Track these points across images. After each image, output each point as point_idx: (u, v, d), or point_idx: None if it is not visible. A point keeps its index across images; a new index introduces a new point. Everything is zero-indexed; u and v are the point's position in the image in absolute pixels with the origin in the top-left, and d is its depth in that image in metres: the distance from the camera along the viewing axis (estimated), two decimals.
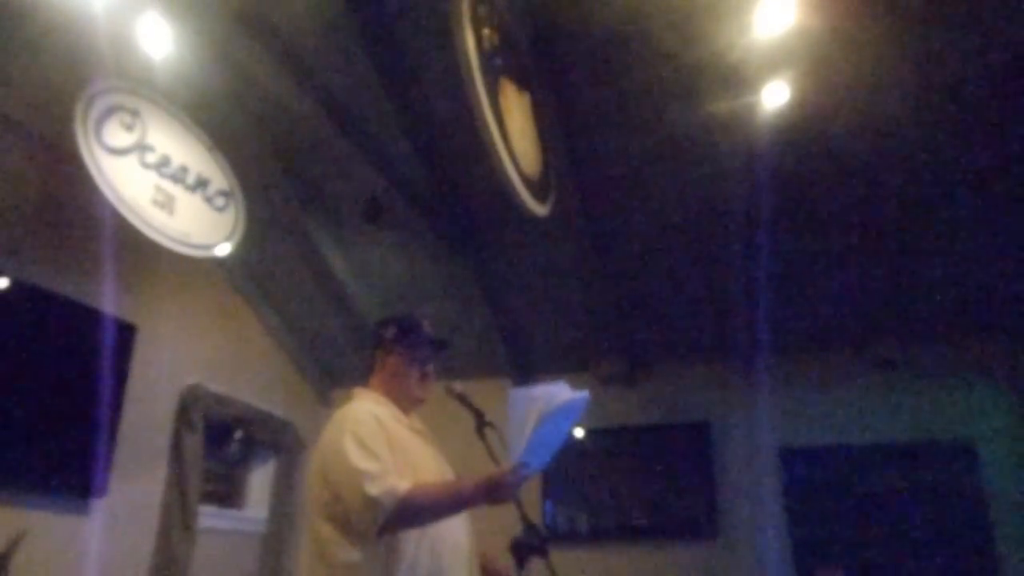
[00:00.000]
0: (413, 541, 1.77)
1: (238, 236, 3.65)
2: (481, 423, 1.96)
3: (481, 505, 1.79)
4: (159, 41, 2.96)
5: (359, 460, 1.75)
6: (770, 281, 4.33)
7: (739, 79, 3.42)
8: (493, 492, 1.72)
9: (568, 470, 4.99)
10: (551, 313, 5.06)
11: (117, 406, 3.78)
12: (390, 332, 2.10)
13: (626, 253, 4.60)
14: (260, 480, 5.11)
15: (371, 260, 4.81)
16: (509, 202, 2.96)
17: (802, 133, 3.65)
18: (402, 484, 1.72)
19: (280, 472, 5.08)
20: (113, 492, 3.73)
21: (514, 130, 2.91)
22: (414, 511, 1.72)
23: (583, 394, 1.79)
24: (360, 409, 1.93)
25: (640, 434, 5.16)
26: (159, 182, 3.27)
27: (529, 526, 1.76)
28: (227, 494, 4.96)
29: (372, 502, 1.69)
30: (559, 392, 1.75)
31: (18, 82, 3.27)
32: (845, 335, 4.85)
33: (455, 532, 1.88)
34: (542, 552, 1.73)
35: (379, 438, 1.82)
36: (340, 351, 5.35)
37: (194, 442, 4.26)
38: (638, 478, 5.03)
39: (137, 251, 3.65)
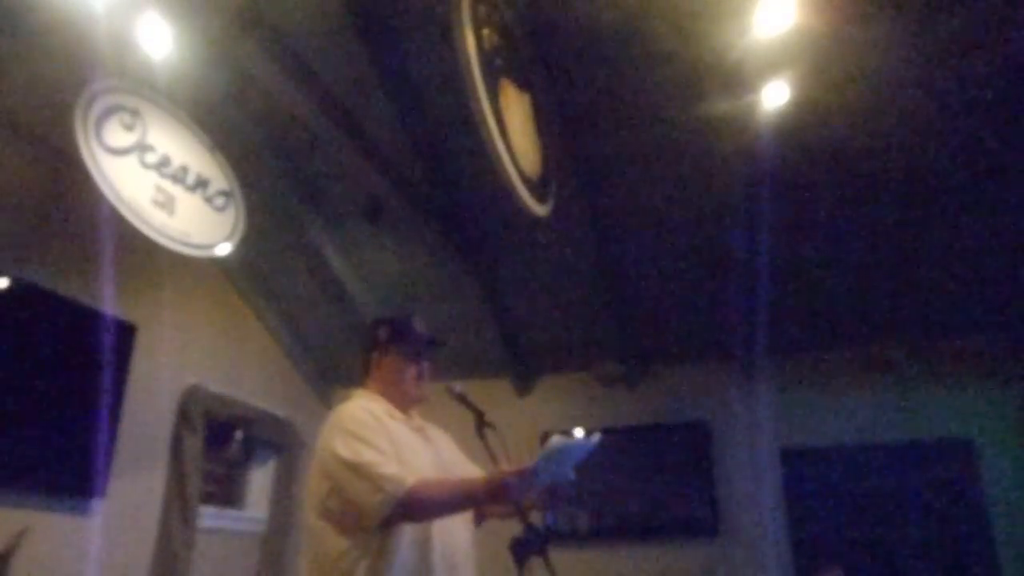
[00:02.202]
0: (407, 538, 1.76)
1: (238, 236, 3.65)
2: (481, 423, 1.96)
3: (485, 504, 1.79)
4: (159, 41, 2.95)
5: (360, 453, 1.76)
6: (770, 281, 4.33)
7: (739, 79, 3.42)
8: (499, 492, 1.71)
9: None
10: (551, 313, 5.06)
11: (117, 406, 3.78)
12: (383, 333, 2.10)
13: (626, 253, 4.60)
14: (260, 480, 5.11)
15: (371, 260, 4.81)
16: (509, 202, 2.96)
17: (802, 133, 3.65)
18: (409, 475, 1.72)
19: (280, 472, 5.08)
20: (113, 492, 3.73)
21: (514, 130, 2.90)
22: (420, 503, 1.72)
23: (595, 438, 1.81)
24: (355, 406, 1.94)
25: (640, 434, 5.16)
26: (159, 182, 3.27)
27: (529, 526, 1.76)
28: (227, 494, 4.96)
29: (378, 490, 1.69)
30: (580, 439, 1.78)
31: (18, 82, 3.27)
32: (845, 335, 4.85)
33: (451, 530, 1.87)
34: (542, 552, 1.73)
35: (377, 431, 1.83)
36: (340, 351, 5.35)
37: (194, 442, 4.26)
38: (638, 478, 5.03)
39: (137, 251, 3.65)
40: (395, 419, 1.97)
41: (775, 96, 3.42)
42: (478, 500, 1.80)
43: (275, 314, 5.18)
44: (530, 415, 5.25)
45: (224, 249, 3.61)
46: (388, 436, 1.84)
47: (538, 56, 3.53)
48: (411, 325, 2.11)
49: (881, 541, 4.51)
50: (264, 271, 4.91)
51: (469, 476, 1.95)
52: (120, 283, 3.82)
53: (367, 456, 1.75)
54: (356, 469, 1.74)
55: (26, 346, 3.41)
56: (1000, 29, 3.25)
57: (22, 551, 3.04)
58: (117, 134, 3.09)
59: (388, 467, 1.73)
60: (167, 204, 3.28)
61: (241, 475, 5.09)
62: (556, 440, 1.68)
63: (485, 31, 2.75)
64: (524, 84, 3.23)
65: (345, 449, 1.78)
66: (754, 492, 4.84)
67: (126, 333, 3.88)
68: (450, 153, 4.06)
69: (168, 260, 3.70)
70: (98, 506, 3.68)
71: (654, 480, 5.01)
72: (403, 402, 2.05)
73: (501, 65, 2.90)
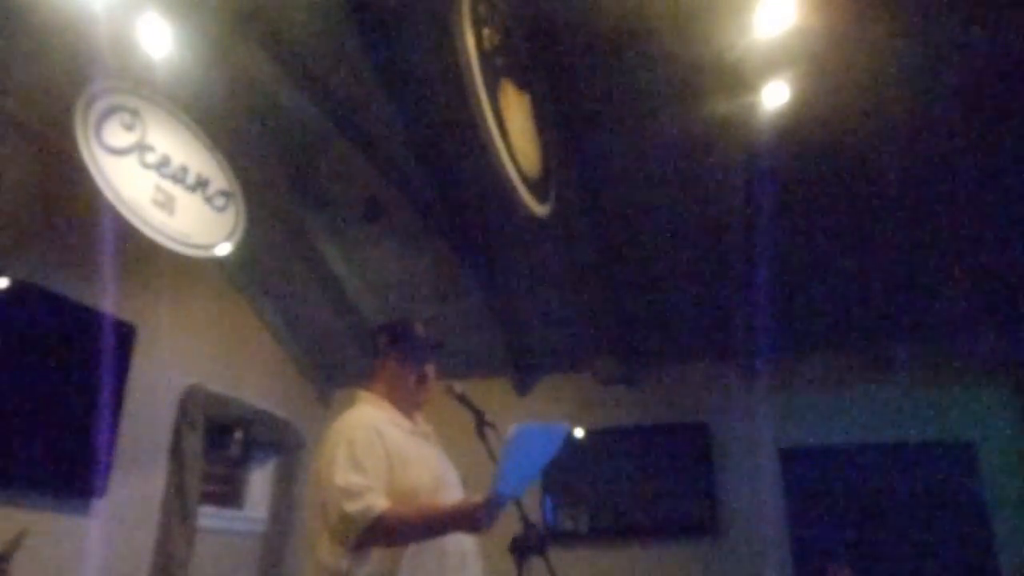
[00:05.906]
0: (413, 551, 1.78)
1: (238, 236, 3.65)
2: (481, 423, 1.97)
3: (457, 532, 1.80)
4: (159, 41, 2.96)
5: (345, 474, 1.77)
6: (770, 281, 4.33)
7: (739, 79, 3.42)
8: (467, 522, 1.72)
9: (568, 470, 4.99)
10: (551, 313, 5.06)
11: (117, 406, 3.78)
12: (384, 339, 2.13)
13: (626, 253, 4.60)
14: (260, 480, 5.11)
15: (371, 260, 4.81)
16: (509, 202, 2.96)
17: (802, 133, 3.65)
18: (380, 503, 1.74)
19: (280, 472, 5.08)
20: (113, 492, 3.73)
21: (514, 130, 2.90)
22: (387, 532, 1.74)
23: (563, 425, 1.79)
24: (360, 416, 1.94)
25: (640, 434, 5.16)
26: (159, 182, 3.27)
27: (529, 525, 1.76)
28: (227, 494, 4.96)
29: (347, 518, 1.72)
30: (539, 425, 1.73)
31: (18, 82, 3.27)
32: (845, 335, 4.84)
33: (459, 541, 1.87)
34: (541, 551, 1.73)
35: (374, 450, 1.83)
36: (340, 351, 5.35)
37: (194, 442, 4.26)
38: (638, 478, 5.03)
39: (137, 251, 3.65)
40: (399, 427, 1.97)
41: (775, 96, 3.42)
42: (447, 530, 1.81)
43: (275, 314, 5.18)
44: (530, 415, 5.24)
45: (224, 249, 3.62)
46: (389, 450, 1.85)
47: (538, 56, 3.53)
48: (411, 330, 2.14)
49: (881, 542, 4.51)
50: (264, 271, 4.90)
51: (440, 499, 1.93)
52: (120, 283, 3.82)
53: (349, 479, 1.76)
54: (335, 491, 1.76)
55: (26, 346, 3.41)
56: (1000, 29, 3.25)
57: (22, 551, 3.04)
58: (117, 134, 3.09)
59: (363, 495, 1.74)
60: (167, 204, 3.28)
61: (241, 475, 5.09)
62: (512, 432, 1.62)
63: (485, 31, 2.75)
64: (524, 84, 3.23)
65: (338, 468, 1.79)
66: (753, 492, 4.84)
67: (126, 333, 3.88)
68: (450, 153, 4.06)
69: (168, 260, 3.70)
70: (98, 506, 3.68)
71: (654, 480, 5.00)
72: (406, 406, 2.06)
73: (501, 65, 2.90)
